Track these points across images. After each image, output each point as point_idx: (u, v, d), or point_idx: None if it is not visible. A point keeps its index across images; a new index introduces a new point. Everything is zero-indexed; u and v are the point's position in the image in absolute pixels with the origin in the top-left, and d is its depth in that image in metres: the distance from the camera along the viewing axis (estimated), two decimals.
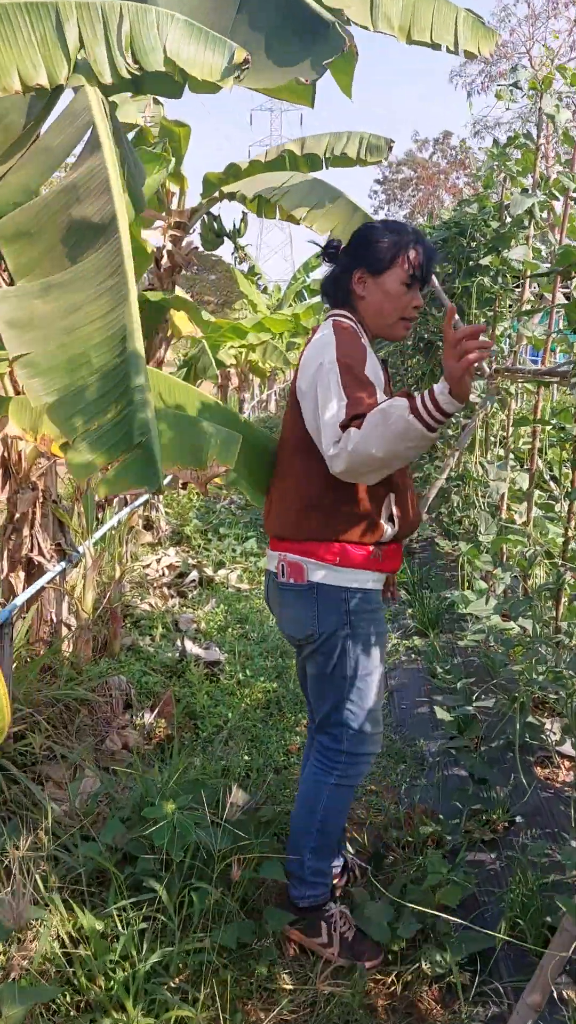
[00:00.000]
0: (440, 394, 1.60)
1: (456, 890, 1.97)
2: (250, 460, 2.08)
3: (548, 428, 3.30)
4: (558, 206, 3.41)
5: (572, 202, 3.00)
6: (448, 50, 2.55)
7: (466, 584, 4.20)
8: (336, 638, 1.93)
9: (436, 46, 2.53)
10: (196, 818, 1.91)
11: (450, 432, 5.35)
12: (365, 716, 2.00)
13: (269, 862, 2.00)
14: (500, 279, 4.13)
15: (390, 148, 3.20)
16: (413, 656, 3.74)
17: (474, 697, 3.13)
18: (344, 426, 1.70)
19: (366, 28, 2.40)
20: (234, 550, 4.88)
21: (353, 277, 1.93)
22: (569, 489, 3.13)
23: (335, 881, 2.22)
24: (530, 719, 2.76)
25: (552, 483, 4.66)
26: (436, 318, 4.92)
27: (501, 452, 4.28)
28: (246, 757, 2.76)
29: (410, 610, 4.25)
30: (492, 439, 4.60)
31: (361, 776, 2.09)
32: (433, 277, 3.97)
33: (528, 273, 3.68)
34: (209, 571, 4.47)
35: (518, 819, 2.44)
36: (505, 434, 4.15)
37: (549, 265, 3.30)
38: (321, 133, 3.64)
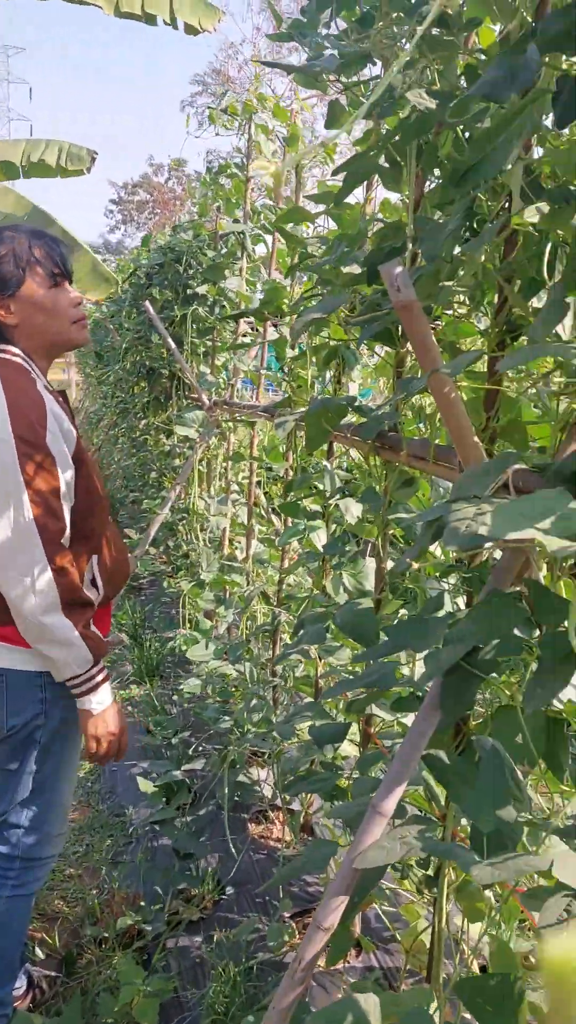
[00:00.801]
0: (86, 705, 1.62)
1: (152, 1003, 1.73)
2: None
3: (259, 466, 3.22)
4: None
5: (279, 236, 2.95)
6: (165, 23, 2.33)
7: (189, 624, 4.02)
8: (28, 730, 1.63)
9: (151, 19, 2.29)
10: None
11: (176, 462, 5.18)
12: (51, 816, 1.71)
13: None
14: (217, 309, 4.04)
15: (93, 159, 2.96)
16: (130, 709, 3.47)
17: (190, 750, 2.94)
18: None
19: None
20: None
21: None
22: (282, 529, 3.06)
23: (17, 1005, 1.88)
24: (241, 777, 2.61)
25: (274, 517, 4.66)
26: (157, 345, 4.74)
27: (223, 484, 4.17)
28: None
29: (130, 655, 3.98)
30: (215, 472, 4.49)
31: (41, 881, 1.78)
32: (148, 304, 3.78)
33: (242, 306, 3.61)
34: None
35: (229, 891, 2.26)
36: (226, 468, 4.05)
37: (262, 297, 3.24)
38: (18, 139, 3.30)
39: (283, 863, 2.21)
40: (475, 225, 1.32)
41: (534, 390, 1.37)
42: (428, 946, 1.58)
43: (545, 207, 1.10)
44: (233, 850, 2.35)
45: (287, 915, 2.10)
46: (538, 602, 0.92)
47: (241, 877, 2.30)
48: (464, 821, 1.37)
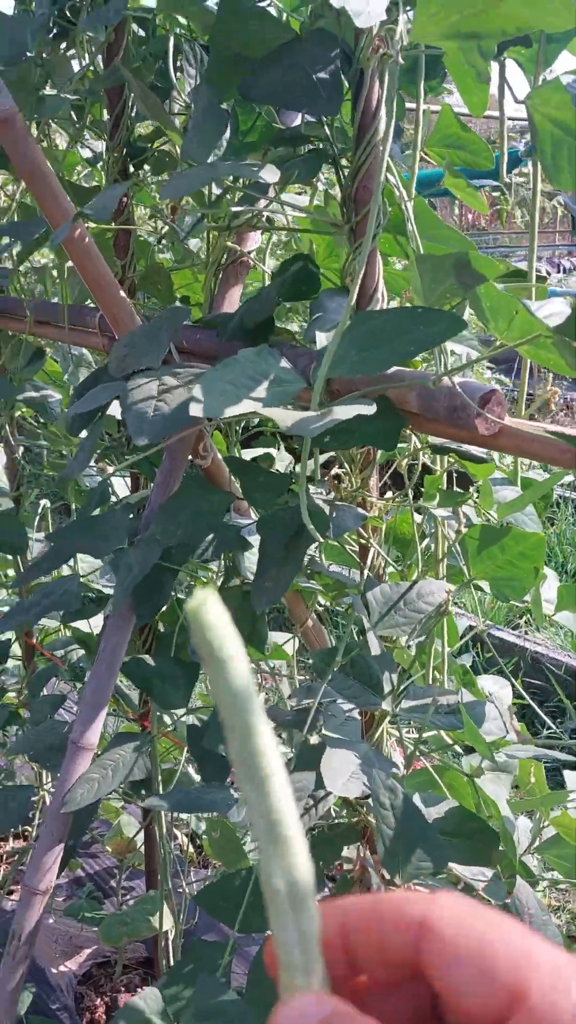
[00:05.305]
0: None
1: None
2: None
3: None
4: None
5: None
6: None
7: None
8: None
9: None
10: None
11: None
12: None
13: None
14: None
15: None
16: None
17: None
18: None
19: None
20: None
21: None
22: None
23: None
24: None
25: None
26: None
27: None
28: None
29: None
30: None
31: None
32: None
33: None
34: None
35: None
36: None
37: None
38: None
39: None
40: (67, 14, 1.03)
41: (167, 228, 1.18)
42: (140, 845, 1.51)
43: None
44: None
45: None
46: (247, 482, 0.78)
47: None
48: (167, 719, 1.26)
